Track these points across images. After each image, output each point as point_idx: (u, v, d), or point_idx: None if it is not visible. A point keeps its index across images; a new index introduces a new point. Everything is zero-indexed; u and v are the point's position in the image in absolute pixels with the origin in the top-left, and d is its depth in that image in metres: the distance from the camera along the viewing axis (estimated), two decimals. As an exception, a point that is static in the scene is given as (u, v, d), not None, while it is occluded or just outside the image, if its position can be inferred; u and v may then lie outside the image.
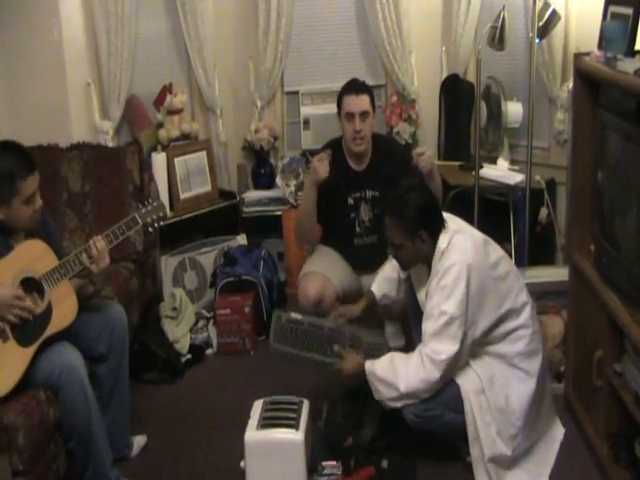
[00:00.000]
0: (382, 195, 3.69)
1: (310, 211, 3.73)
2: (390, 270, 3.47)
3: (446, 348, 2.88)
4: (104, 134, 4.43)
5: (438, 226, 3.00)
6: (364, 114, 3.69)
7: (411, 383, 2.90)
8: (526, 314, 3.04)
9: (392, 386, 2.93)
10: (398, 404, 2.96)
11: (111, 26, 4.37)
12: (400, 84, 4.99)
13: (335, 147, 3.82)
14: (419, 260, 3.10)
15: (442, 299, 2.89)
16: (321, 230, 3.92)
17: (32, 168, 2.87)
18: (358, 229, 3.81)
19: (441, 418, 2.94)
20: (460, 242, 2.95)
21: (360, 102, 3.71)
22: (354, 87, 3.76)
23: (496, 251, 3.09)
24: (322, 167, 3.59)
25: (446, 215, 3.09)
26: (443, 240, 2.97)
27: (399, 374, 2.92)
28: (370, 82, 4.02)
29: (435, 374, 2.88)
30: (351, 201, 3.78)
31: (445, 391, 2.94)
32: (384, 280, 3.49)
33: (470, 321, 2.91)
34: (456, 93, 4.98)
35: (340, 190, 3.76)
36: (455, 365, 2.94)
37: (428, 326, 2.92)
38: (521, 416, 2.98)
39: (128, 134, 4.65)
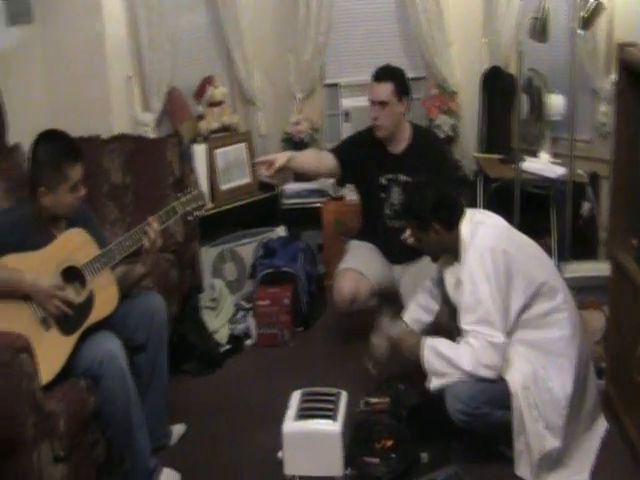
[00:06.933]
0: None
1: None
2: (423, 298, 3.46)
3: (496, 333, 2.88)
4: (145, 126, 4.45)
5: (453, 217, 3.05)
6: (382, 103, 3.69)
7: (478, 363, 2.88)
8: (559, 299, 3.00)
9: (452, 363, 2.92)
10: (450, 379, 2.94)
11: (152, 20, 4.39)
12: (440, 76, 4.97)
13: (370, 130, 3.83)
14: (442, 250, 3.14)
15: (475, 289, 2.91)
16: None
17: (79, 156, 2.92)
18: (387, 211, 3.82)
19: (489, 416, 2.93)
20: (481, 231, 2.99)
21: (380, 91, 3.71)
22: (378, 74, 3.76)
23: (521, 237, 3.14)
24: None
25: (472, 210, 3.14)
26: (465, 231, 3.01)
27: (460, 354, 2.92)
28: (410, 74, 3.99)
29: (497, 357, 2.88)
30: (383, 181, 3.80)
31: (493, 389, 2.91)
32: (416, 307, 3.46)
33: (502, 301, 2.92)
34: (497, 85, 4.94)
35: (374, 168, 3.79)
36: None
37: (470, 318, 2.92)
38: (567, 404, 2.95)
39: (169, 126, 4.67)
